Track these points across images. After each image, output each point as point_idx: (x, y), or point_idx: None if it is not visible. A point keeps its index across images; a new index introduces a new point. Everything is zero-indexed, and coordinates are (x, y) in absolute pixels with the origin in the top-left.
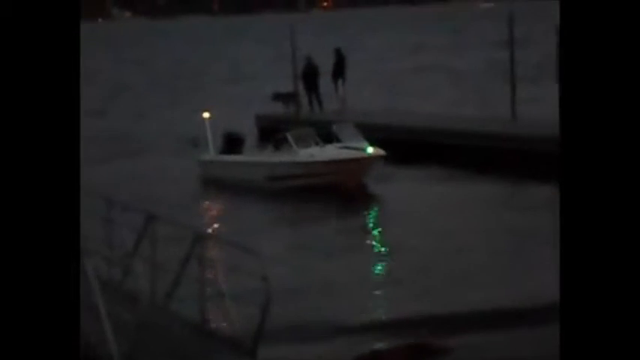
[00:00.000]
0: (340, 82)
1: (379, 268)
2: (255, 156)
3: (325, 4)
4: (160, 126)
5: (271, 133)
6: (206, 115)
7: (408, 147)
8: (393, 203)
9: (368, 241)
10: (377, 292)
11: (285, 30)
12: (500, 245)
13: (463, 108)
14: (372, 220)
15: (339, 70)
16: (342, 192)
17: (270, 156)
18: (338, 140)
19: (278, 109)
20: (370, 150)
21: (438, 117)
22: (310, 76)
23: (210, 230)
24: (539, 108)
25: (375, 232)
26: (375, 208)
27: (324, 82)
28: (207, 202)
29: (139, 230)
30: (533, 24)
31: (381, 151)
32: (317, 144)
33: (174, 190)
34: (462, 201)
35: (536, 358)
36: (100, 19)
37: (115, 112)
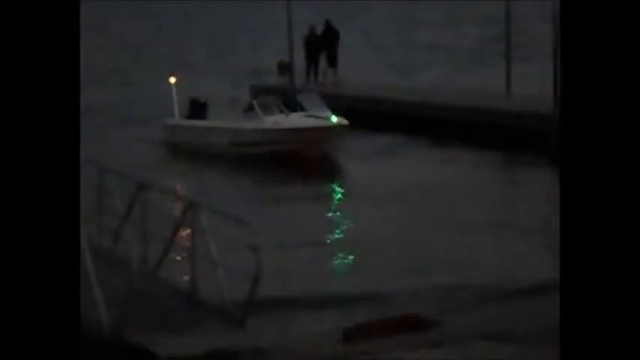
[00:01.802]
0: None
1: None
2: (219, 122)
3: None
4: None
5: None
6: (172, 79)
7: (405, 121)
8: (354, 174)
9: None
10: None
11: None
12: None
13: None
14: (334, 191)
15: (330, 43)
16: (304, 160)
17: (235, 122)
18: (302, 109)
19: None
20: (334, 119)
21: (434, 91)
22: (312, 45)
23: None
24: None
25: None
26: (336, 179)
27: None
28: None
29: (129, 197)
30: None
31: (345, 121)
32: (282, 112)
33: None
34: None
35: (528, 332)
36: None
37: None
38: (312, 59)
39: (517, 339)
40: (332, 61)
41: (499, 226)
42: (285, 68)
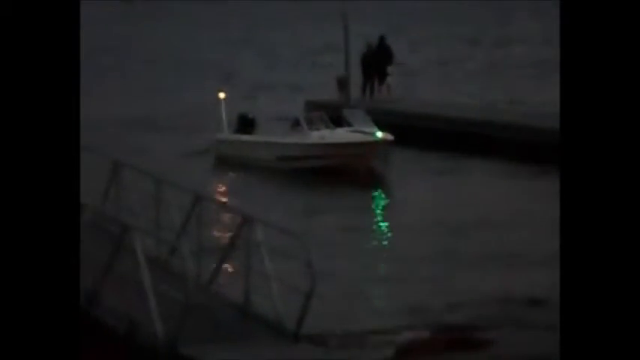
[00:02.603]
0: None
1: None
2: (267, 136)
3: None
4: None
5: None
6: (221, 95)
7: (456, 137)
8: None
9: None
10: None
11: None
12: None
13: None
14: (378, 203)
15: (382, 59)
16: (350, 174)
17: (282, 137)
18: (348, 124)
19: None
20: (379, 134)
21: (491, 109)
22: (369, 62)
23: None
24: None
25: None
26: (381, 192)
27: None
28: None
29: (186, 210)
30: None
31: (390, 136)
32: (328, 127)
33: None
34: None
35: None
36: None
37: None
38: (368, 75)
39: None
40: (381, 78)
41: None
42: (345, 84)
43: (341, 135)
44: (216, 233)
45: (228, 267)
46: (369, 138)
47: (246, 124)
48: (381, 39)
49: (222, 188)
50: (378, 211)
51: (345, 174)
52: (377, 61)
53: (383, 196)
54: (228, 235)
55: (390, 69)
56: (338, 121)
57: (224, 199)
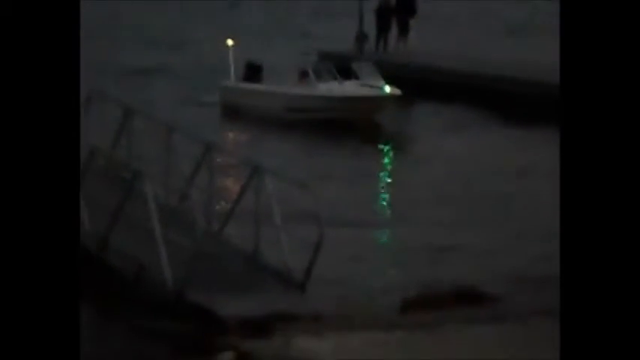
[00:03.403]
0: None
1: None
2: (275, 86)
3: None
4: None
5: None
6: (230, 42)
7: (475, 92)
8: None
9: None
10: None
11: None
12: None
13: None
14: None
15: (403, 11)
16: (356, 128)
17: (290, 88)
18: (356, 77)
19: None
20: (387, 89)
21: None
22: (384, 14)
23: None
24: None
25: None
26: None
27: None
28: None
29: (197, 158)
30: None
31: (398, 91)
32: (336, 79)
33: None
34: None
35: None
36: None
37: None
38: (382, 28)
39: None
40: (403, 30)
41: None
42: (364, 39)
43: (349, 88)
44: (226, 183)
45: (237, 217)
46: (377, 92)
47: (253, 72)
48: None
49: (231, 137)
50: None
51: (351, 128)
52: (398, 13)
53: (391, 150)
54: (238, 184)
55: (412, 22)
56: (346, 74)
57: (233, 149)
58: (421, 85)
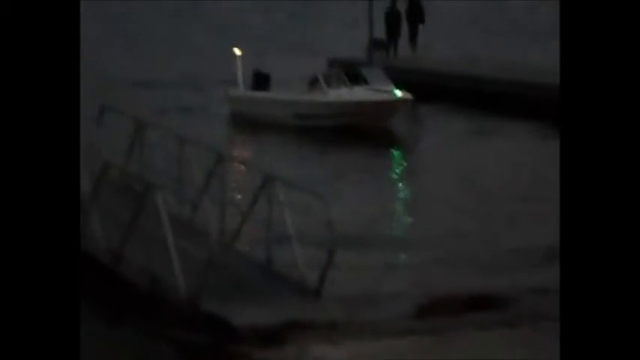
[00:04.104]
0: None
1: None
2: (284, 94)
3: None
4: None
5: None
6: (237, 51)
7: (488, 97)
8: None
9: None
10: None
11: None
12: None
13: None
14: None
15: (412, 18)
16: (367, 133)
17: (300, 94)
18: (366, 82)
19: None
20: (398, 93)
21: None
22: (393, 20)
23: None
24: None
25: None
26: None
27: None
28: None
29: (209, 169)
30: None
31: (409, 95)
32: (346, 85)
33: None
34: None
35: None
36: None
37: None
38: (392, 34)
39: None
40: (412, 37)
41: None
42: (379, 44)
43: (360, 93)
44: (238, 192)
45: (250, 226)
46: (388, 97)
47: (261, 81)
48: None
49: (241, 146)
50: (396, 171)
51: (363, 133)
52: (409, 19)
53: (401, 155)
54: (251, 194)
55: (420, 27)
56: (355, 79)
57: (244, 158)
58: (432, 90)
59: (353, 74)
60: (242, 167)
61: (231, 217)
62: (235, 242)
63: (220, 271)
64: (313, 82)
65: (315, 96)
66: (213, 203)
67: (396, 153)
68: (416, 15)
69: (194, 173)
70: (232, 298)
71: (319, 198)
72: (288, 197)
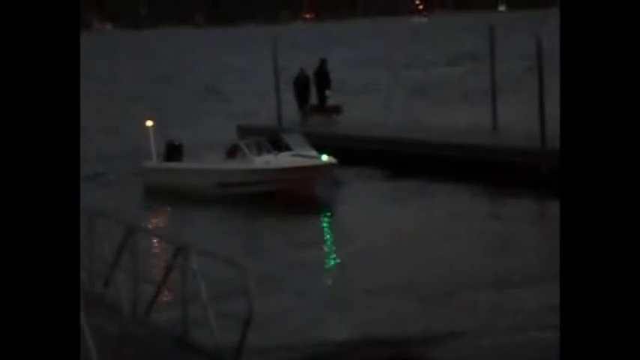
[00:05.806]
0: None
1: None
2: (204, 163)
3: (308, 16)
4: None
5: None
6: (149, 123)
7: (398, 160)
8: (344, 212)
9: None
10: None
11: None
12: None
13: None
14: (325, 227)
15: (322, 80)
16: (294, 199)
17: (222, 163)
18: (287, 148)
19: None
20: (324, 158)
21: (430, 129)
22: (302, 84)
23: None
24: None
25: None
26: (327, 216)
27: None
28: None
29: (120, 241)
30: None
31: (334, 160)
32: (269, 152)
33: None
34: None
35: None
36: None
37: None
38: (303, 99)
39: None
40: (321, 101)
41: None
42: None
43: (286, 159)
44: (151, 264)
45: (164, 297)
46: (315, 162)
47: (174, 152)
48: (322, 62)
49: (156, 218)
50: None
51: (288, 199)
52: (318, 83)
53: (330, 222)
54: (163, 265)
55: (328, 92)
56: (277, 146)
57: (158, 229)
58: (347, 153)
59: (273, 141)
60: (157, 239)
61: (145, 290)
62: (149, 315)
63: (135, 345)
64: (233, 150)
65: (238, 164)
66: (127, 276)
67: (324, 222)
68: (323, 80)
69: (105, 247)
70: None
71: (236, 266)
72: (206, 267)
